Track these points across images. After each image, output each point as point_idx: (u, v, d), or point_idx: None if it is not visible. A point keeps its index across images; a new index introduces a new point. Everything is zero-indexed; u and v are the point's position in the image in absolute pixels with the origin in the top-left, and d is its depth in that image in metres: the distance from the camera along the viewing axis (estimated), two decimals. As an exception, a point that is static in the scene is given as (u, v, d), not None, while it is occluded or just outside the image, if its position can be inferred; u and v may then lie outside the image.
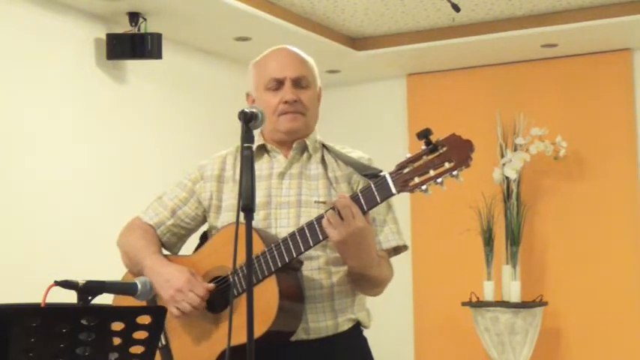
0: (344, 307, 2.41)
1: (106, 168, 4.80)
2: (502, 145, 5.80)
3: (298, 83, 2.44)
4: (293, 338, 2.33)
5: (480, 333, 5.64)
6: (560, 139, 5.64)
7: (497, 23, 5.47)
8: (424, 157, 2.14)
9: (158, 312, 1.86)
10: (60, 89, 4.57)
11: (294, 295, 2.30)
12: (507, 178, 5.70)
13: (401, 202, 2.75)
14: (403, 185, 2.16)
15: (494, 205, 5.66)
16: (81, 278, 2.00)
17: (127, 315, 1.82)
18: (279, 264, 2.26)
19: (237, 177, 2.45)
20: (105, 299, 2.11)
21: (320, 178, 2.44)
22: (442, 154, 2.13)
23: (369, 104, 6.59)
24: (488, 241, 5.69)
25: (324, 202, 2.35)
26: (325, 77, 6.31)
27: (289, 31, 5.12)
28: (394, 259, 2.51)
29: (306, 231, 2.25)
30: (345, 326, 2.42)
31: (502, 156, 5.77)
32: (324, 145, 2.52)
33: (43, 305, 1.91)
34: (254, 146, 2.11)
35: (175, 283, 2.34)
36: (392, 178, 2.18)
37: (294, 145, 2.47)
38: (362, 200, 2.20)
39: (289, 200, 2.41)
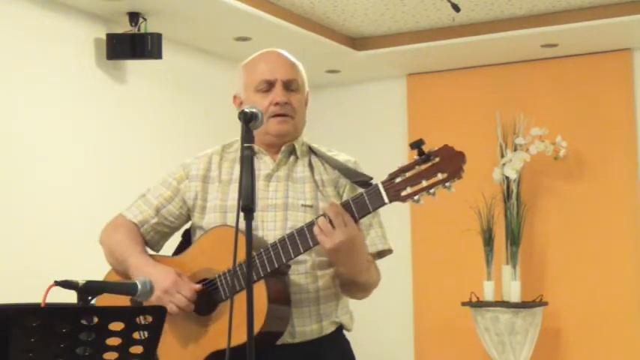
0: (329, 311, 2.42)
1: (105, 168, 4.80)
2: (502, 145, 5.80)
3: (288, 86, 2.44)
4: (279, 342, 2.33)
5: (480, 333, 5.64)
6: (560, 139, 5.63)
7: (497, 23, 5.47)
8: (417, 167, 2.15)
9: (158, 312, 1.86)
10: (60, 89, 4.57)
11: (281, 299, 2.30)
12: (507, 178, 5.70)
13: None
14: (395, 195, 2.16)
15: (495, 205, 5.66)
16: (81, 278, 2.00)
17: (127, 315, 1.82)
18: (269, 269, 2.26)
19: (223, 177, 2.46)
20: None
21: (307, 181, 2.44)
22: (435, 164, 2.13)
23: (369, 104, 6.58)
24: (488, 241, 5.69)
25: (310, 206, 2.35)
26: (325, 77, 6.32)
27: (289, 31, 5.10)
28: (393, 259, 2.51)
29: (296, 237, 2.25)
30: (328, 329, 2.43)
31: (502, 156, 5.77)
32: (310, 149, 2.51)
33: (43, 305, 1.91)
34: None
35: (162, 284, 2.32)
36: (384, 187, 2.18)
37: (282, 148, 2.46)
38: (354, 208, 2.21)
39: (276, 203, 2.40)
